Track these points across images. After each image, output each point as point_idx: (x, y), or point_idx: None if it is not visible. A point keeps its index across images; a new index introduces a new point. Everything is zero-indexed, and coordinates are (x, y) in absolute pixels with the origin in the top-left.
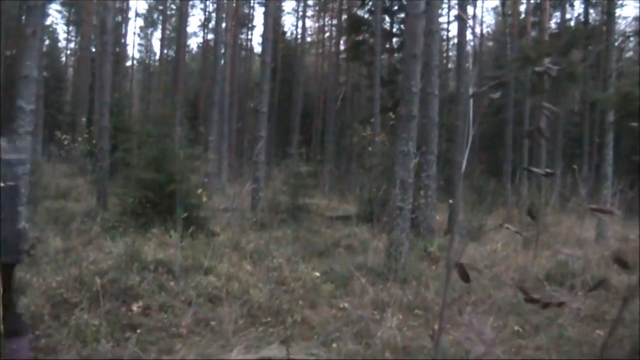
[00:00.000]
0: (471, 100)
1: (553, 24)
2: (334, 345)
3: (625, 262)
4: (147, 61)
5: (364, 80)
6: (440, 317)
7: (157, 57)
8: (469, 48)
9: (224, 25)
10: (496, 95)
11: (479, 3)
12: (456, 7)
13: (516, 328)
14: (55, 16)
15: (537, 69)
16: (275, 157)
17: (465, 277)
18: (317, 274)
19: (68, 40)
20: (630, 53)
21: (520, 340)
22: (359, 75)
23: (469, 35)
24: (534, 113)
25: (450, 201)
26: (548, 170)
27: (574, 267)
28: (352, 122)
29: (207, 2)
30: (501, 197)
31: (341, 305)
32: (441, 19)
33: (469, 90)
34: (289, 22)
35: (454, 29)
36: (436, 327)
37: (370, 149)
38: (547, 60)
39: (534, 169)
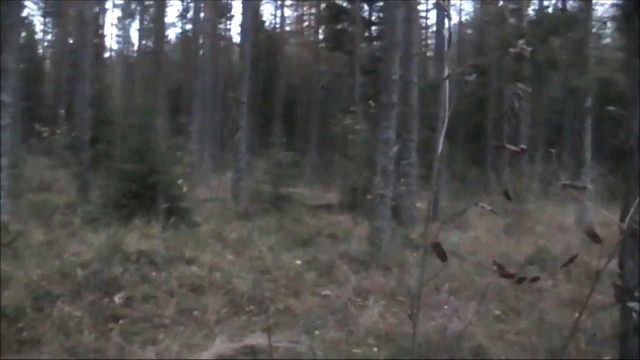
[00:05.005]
0: (447, 83)
1: (531, 11)
2: (317, 332)
3: (597, 236)
4: (125, 52)
5: (345, 69)
6: (418, 296)
7: (136, 48)
8: (445, 32)
9: (202, 15)
10: (472, 77)
11: None
12: None
13: (498, 313)
14: (31, 7)
15: (512, 50)
16: (258, 146)
17: (443, 257)
18: (300, 262)
19: (45, 32)
20: (608, 40)
21: (502, 324)
22: (340, 64)
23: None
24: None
25: (435, 188)
26: (522, 147)
27: (554, 252)
28: (334, 111)
29: None
30: (483, 184)
31: (324, 293)
32: (420, 7)
33: (444, 72)
34: (267, 12)
35: (433, 16)
36: (414, 310)
37: (351, 137)
38: (521, 42)
39: (509, 146)
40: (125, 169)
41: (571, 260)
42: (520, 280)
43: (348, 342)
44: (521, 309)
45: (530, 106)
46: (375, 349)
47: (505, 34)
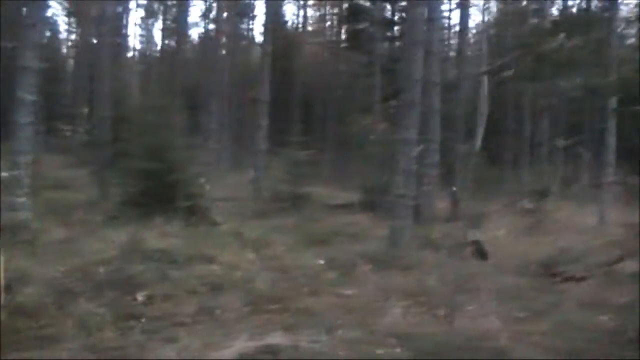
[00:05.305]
0: (486, 81)
1: (555, 10)
2: (338, 332)
3: None
4: (147, 52)
5: (364, 68)
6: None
7: (158, 48)
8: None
9: (224, 14)
10: (508, 73)
11: None
12: None
13: (519, 314)
14: (56, 7)
15: (553, 45)
16: (275, 145)
17: (483, 255)
18: (321, 261)
19: (69, 32)
20: (632, 40)
21: (523, 326)
22: (359, 64)
23: (471, 23)
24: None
25: (454, 188)
26: (576, 139)
27: (576, 253)
28: (352, 111)
29: None
30: (502, 184)
31: (344, 293)
32: (443, 7)
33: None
34: (290, 11)
35: (455, 16)
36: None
37: (371, 137)
38: (561, 36)
39: (560, 141)
40: (144, 168)
41: (618, 261)
42: (566, 280)
43: (369, 342)
44: (542, 310)
45: (550, 105)
46: (397, 350)
47: (526, 33)
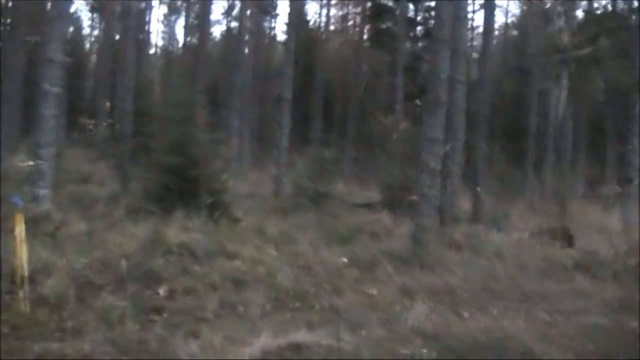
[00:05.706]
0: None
1: (580, 12)
2: (361, 330)
3: None
4: (169, 48)
5: (386, 67)
6: None
7: (180, 44)
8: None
9: (247, 12)
10: (585, 51)
11: None
12: None
13: (546, 317)
14: (79, 3)
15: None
16: (296, 143)
17: (571, 242)
18: (344, 259)
19: (92, 27)
20: None
21: (550, 328)
22: (381, 63)
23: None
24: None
25: (478, 188)
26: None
27: (601, 256)
28: (373, 109)
29: None
30: (524, 186)
31: (367, 291)
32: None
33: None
34: (312, 10)
35: (478, 17)
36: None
37: (394, 136)
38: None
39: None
40: (166, 162)
41: None
42: None
43: (393, 340)
44: (569, 313)
45: (573, 107)
46: (421, 349)
47: (552, 34)
